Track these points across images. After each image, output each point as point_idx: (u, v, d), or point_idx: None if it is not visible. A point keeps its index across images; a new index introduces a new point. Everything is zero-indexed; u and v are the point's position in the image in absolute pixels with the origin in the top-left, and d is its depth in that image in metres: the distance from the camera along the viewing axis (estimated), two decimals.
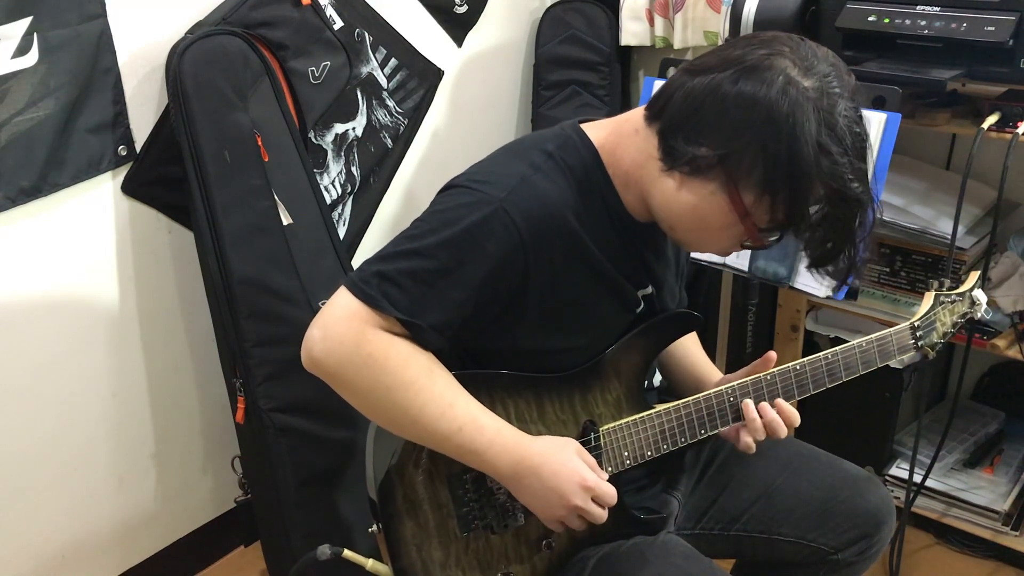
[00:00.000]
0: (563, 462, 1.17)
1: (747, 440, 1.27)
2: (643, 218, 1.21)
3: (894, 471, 2.19)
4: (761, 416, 1.26)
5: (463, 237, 1.10)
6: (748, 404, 1.26)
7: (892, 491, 2.13)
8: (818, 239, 1.13)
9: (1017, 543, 2.03)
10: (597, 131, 1.21)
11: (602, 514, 1.19)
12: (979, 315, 1.45)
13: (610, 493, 1.19)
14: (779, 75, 1.06)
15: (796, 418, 1.28)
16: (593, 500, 1.18)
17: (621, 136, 1.19)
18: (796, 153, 1.05)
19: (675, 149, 1.11)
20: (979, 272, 1.48)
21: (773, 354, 1.30)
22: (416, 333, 1.12)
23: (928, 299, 1.40)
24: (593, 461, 1.21)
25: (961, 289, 1.43)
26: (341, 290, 1.12)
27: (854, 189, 1.09)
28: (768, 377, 1.28)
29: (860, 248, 1.15)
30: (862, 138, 1.10)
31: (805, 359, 1.31)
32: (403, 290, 1.10)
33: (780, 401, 1.27)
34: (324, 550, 1.29)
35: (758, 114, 1.05)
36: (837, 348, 1.32)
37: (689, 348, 1.47)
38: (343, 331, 1.10)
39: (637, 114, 1.19)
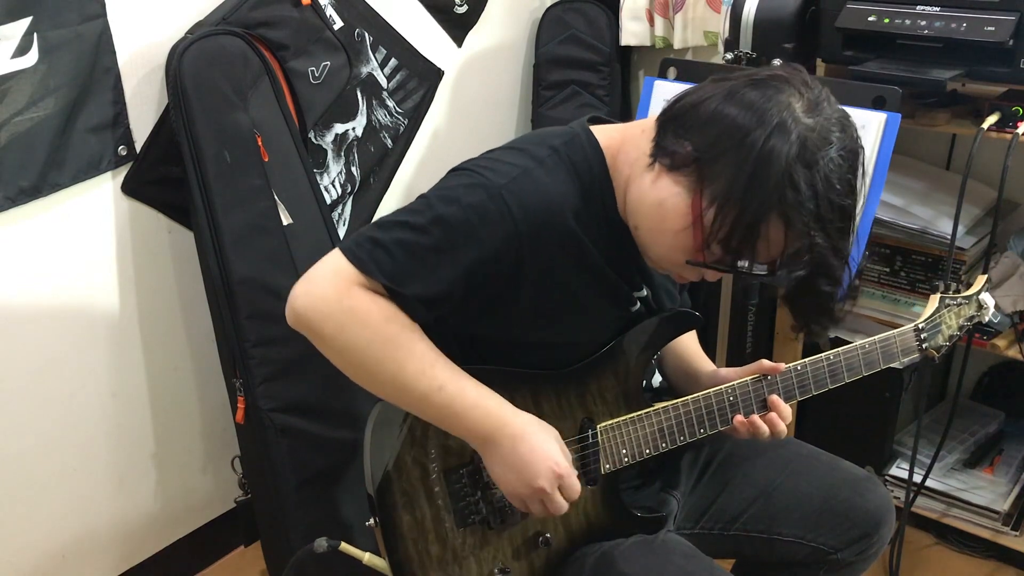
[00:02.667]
0: (542, 442, 1.17)
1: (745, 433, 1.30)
2: None
3: (894, 471, 2.18)
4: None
5: (458, 218, 1.11)
6: (775, 399, 1.29)
7: (892, 491, 2.12)
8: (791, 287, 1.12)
9: (1017, 543, 2.03)
10: (606, 133, 1.22)
11: (563, 505, 1.18)
12: (987, 319, 1.44)
13: (577, 488, 1.18)
14: (782, 96, 1.07)
15: (788, 412, 1.29)
16: (559, 490, 1.17)
17: (627, 138, 1.20)
18: (762, 172, 1.04)
19: (664, 142, 1.12)
20: (987, 276, 1.47)
21: (770, 363, 1.30)
22: (400, 301, 1.12)
23: (933, 302, 1.39)
24: (570, 457, 1.20)
25: (968, 292, 1.42)
26: (334, 251, 1.13)
27: (812, 237, 1.06)
28: (769, 377, 1.29)
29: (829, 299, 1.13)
30: (841, 195, 1.07)
31: (807, 359, 1.31)
32: (393, 258, 1.11)
33: (773, 397, 1.29)
34: (321, 543, 1.30)
35: (744, 123, 1.06)
36: (840, 349, 1.32)
37: (683, 338, 1.46)
38: (327, 286, 1.11)
39: (650, 117, 1.20)
